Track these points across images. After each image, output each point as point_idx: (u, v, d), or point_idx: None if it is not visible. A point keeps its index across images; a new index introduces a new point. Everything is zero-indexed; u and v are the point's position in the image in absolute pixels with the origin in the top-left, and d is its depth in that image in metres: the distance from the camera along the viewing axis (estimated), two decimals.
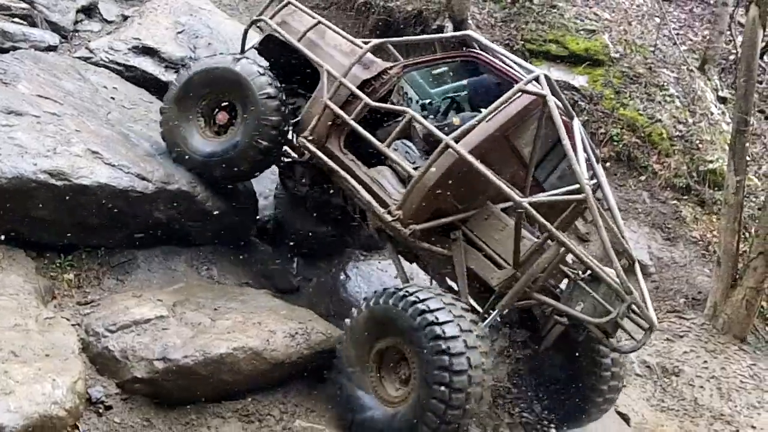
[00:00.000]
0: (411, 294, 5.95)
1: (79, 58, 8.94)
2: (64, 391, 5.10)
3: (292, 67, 7.65)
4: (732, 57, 13.66)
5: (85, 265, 6.86)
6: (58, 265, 6.74)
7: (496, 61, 7.10)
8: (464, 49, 7.66)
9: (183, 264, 7.39)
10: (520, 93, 6.38)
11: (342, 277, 8.70)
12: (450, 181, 6.39)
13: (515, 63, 6.93)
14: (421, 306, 5.84)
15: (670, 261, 10.58)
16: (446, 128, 6.78)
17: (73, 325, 6.15)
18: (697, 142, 11.64)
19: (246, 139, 7.16)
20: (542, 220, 6.02)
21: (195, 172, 7.32)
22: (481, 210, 6.65)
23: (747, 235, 10.30)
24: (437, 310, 5.79)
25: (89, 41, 9.38)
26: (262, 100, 7.12)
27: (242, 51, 7.79)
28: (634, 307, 5.91)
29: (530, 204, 6.07)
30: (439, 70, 7.79)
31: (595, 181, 6.42)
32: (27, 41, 8.61)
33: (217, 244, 7.69)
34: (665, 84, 12.27)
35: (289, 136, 7.45)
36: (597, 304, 6.04)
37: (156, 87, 9.11)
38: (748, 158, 10.07)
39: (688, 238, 10.85)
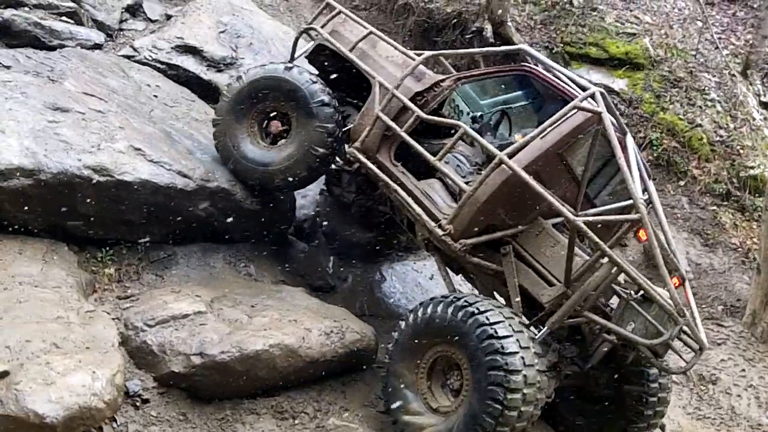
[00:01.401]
0: (471, 305, 5.89)
1: (123, 56, 9.10)
2: (103, 383, 5.19)
3: (341, 76, 7.67)
4: None
5: (125, 260, 6.98)
6: (99, 259, 6.88)
7: (550, 76, 7.04)
8: (518, 63, 7.59)
9: (221, 261, 7.49)
10: (575, 110, 6.32)
11: (377, 276, 8.74)
12: (502, 197, 6.34)
13: (569, 78, 6.84)
14: (471, 310, 5.81)
15: (708, 267, 10.44)
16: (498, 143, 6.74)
17: (113, 318, 6.26)
18: (738, 147, 11.47)
19: (302, 147, 7.19)
20: (596, 239, 5.89)
21: (253, 182, 7.39)
22: (532, 225, 6.58)
23: None
24: (497, 323, 5.74)
25: (133, 40, 9.53)
26: (317, 107, 7.17)
27: (292, 59, 7.81)
28: (685, 328, 5.84)
29: (584, 222, 5.98)
30: (489, 82, 7.71)
31: (647, 196, 6.35)
32: (74, 39, 8.77)
33: (254, 241, 7.78)
34: (706, 88, 12.10)
35: (341, 142, 7.43)
36: (648, 324, 5.94)
37: (198, 85, 9.26)
38: None
39: (727, 244, 10.69)
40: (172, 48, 9.38)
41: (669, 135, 11.52)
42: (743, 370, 8.95)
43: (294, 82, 7.23)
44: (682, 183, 11.28)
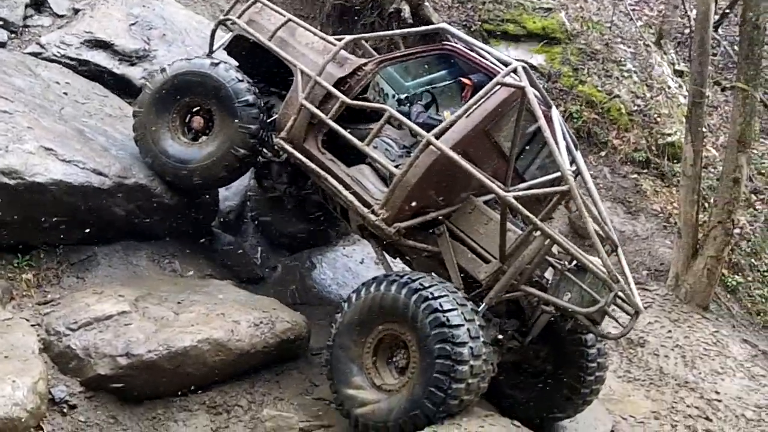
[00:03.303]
0: (425, 288, 5.86)
1: (29, 53, 8.79)
2: (24, 392, 5.09)
3: (262, 65, 7.54)
4: (687, 31, 13.81)
5: (43, 264, 6.78)
6: (15, 265, 6.65)
7: (473, 53, 7.04)
8: (440, 42, 7.58)
9: (144, 258, 7.33)
10: (498, 86, 6.34)
11: (307, 264, 8.68)
12: (433, 178, 6.35)
13: (491, 55, 6.86)
14: (425, 294, 5.79)
15: (632, 234, 10.71)
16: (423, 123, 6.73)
17: (32, 325, 6.09)
18: (655, 115, 11.77)
19: (224, 147, 7.02)
20: (528, 213, 5.98)
21: (171, 179, 7.20)
22: (464, 204, 6.61)
23: (706, 205, 10.47)
24: (449, 311, 5.72)
25: (40, 36, 9.19)
26: (241, 107, 6.98)
27: (210, 52, 7.63)
28: (620, 294, 5.94)
29: (515, 198, 6.05)
30: (412, 63, 7.64)
31: (575, 167, 6.44)
32: None
33: (178, 237, 7.63)
34: (622, 60, 12.37)
35: (266, 137, 7.27)
36: (584, 293, 6.05)
37: (110, 80, 9.01)
38: (704, 130, 10.20)
39: (649, 211, 10.99)
40: (81, 43, 9.09)
41: (588, 107, 11.75)
42: (669, 331, 9.22)
43: (219, 80, 7.02)
44: (603, 153, 11.52)
